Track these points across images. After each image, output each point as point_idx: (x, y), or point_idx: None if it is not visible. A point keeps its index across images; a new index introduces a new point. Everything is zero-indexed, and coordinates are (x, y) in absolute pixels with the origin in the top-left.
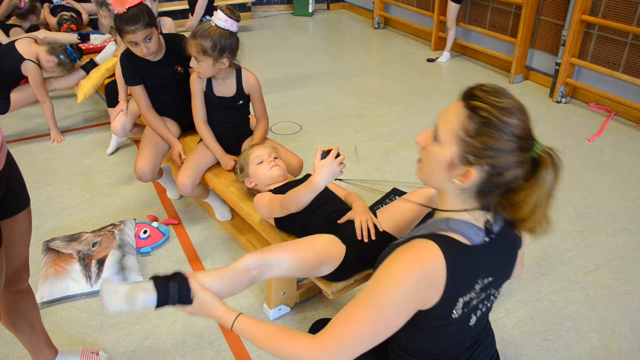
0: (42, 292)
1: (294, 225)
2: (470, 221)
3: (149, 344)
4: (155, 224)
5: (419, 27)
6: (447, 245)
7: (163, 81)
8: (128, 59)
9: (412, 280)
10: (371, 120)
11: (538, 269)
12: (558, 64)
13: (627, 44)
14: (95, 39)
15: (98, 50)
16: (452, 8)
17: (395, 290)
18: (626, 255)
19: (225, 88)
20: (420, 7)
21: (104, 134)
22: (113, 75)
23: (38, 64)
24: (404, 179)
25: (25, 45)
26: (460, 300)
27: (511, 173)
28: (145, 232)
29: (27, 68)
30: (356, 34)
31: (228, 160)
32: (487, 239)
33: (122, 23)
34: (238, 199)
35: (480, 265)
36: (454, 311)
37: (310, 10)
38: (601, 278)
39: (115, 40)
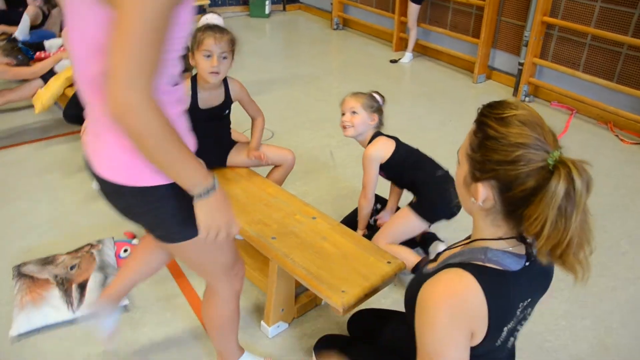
0: (19, 323)
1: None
2: (509, 249)
3: None
4: (135, 241)
5: (379, 28)
6: (485, 275)
7: None
8: None
9: (445, 315)
10: None
11: None
12: (521, 64)
13: (585, 44)
14: (51, 47)
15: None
16: (413, 9)
17: (435, 335)
18: (607, 251)
19: (213, 97)
20: (380, 7)
21: (65, 146)
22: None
23: None
24: (382, 184)
25: None
26: (505, 329)
27: (521, 187)
28: (125, 250)
29: None
30: (316, 36)
31: None
32: (527, 264)
33: None
34: None
35: (522, 289)
36: (499, 340)
37: (266, 11)
38: None
39: None
